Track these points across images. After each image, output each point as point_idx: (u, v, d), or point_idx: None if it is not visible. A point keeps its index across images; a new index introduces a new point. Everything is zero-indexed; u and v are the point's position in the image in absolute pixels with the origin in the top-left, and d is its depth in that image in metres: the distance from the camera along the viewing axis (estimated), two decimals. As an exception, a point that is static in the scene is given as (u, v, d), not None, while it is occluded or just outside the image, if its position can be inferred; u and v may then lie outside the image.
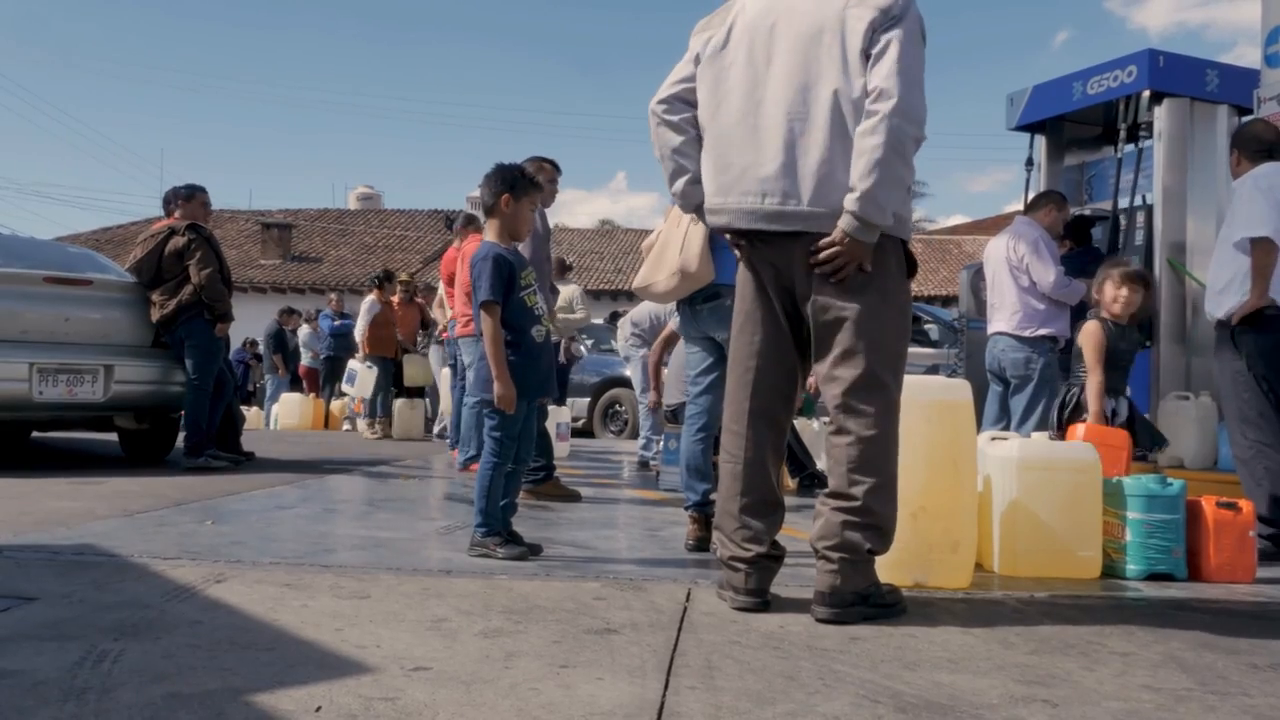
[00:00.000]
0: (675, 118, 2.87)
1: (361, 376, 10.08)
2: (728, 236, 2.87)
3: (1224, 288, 4.09)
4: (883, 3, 2.59)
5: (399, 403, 10.31)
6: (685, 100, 2.86)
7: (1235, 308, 4.01)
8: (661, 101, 2.88)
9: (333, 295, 14.51)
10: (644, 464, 7.49)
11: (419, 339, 10.89)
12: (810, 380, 3.25)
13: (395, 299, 10.80)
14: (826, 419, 2.89)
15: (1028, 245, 5.37)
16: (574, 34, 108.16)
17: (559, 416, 7.73)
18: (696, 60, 2.84)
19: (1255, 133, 4.27)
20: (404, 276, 11.54)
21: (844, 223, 2.58)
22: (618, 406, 12.38)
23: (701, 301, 3.78)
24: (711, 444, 3.83)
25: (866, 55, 2.59)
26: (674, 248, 3.71)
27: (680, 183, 2.91)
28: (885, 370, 2.67)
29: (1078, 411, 4.22)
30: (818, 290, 2.66)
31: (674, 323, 7.23)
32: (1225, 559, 3.40)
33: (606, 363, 12.15)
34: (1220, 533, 3.41)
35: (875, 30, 2.58)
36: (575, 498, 5.24)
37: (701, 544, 3.63)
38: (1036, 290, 5.30)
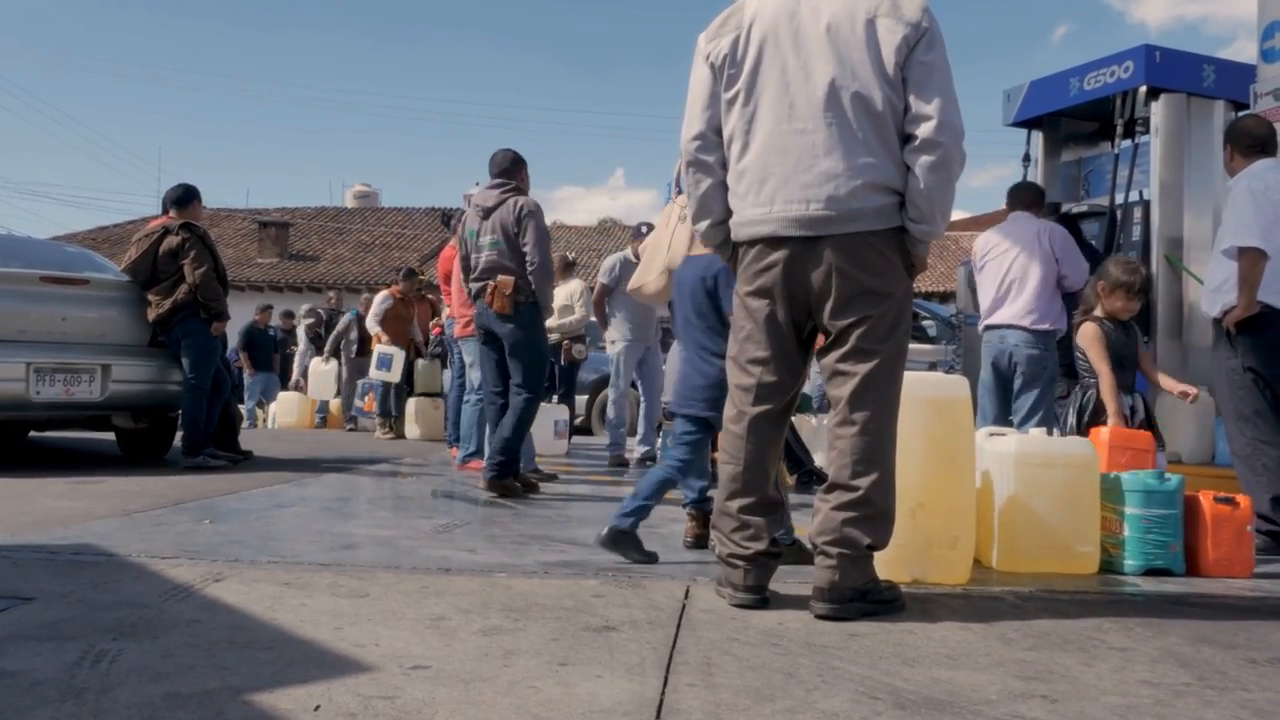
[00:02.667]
0: (709, 158, 2.86)
1: (395, 361, 9.96)
2: (754, 248, 2.81)
3: (1219, 286, 4.09)
4: (912, 16, 2.62)
5: (418, 401, 10.16)
6: (716, 130, 2.84)
7: (1229, 308, 4.02)
8: (695, 138, 2.86)
9: (331, 293, 14.47)
10: (644, 459, 7.51)
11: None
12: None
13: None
14: (824, 415, 2.90)
15: (1061, 240, 5.35)
16: (572, 31, 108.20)
17: (558, 414, 7.73)
18: (712, 69, 2.82)
19: (1248, 128, 4.26)
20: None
21: (918, 250, 2.73)
22: None
23: None
24: (707, 442, 3.83)
25: (899, 68, 2.62)
26: (662, 248, 3.72)
27: (704, 224, 2.94)
28: (891, 367, 2.70)
29: (1097, 414, 4.16)
30: (838, 292, 2.67)
31: (604, 277, 7.32)
32: (1223, 554, 3.41)
33: (605, 360, 12.12)
34: (1218, 528, 3.42)
35: (910, 47, 2.61)
36: (534, 489, 5.31)
37: (699, 541, 3.63)
38: (1059, 285, 5.29)
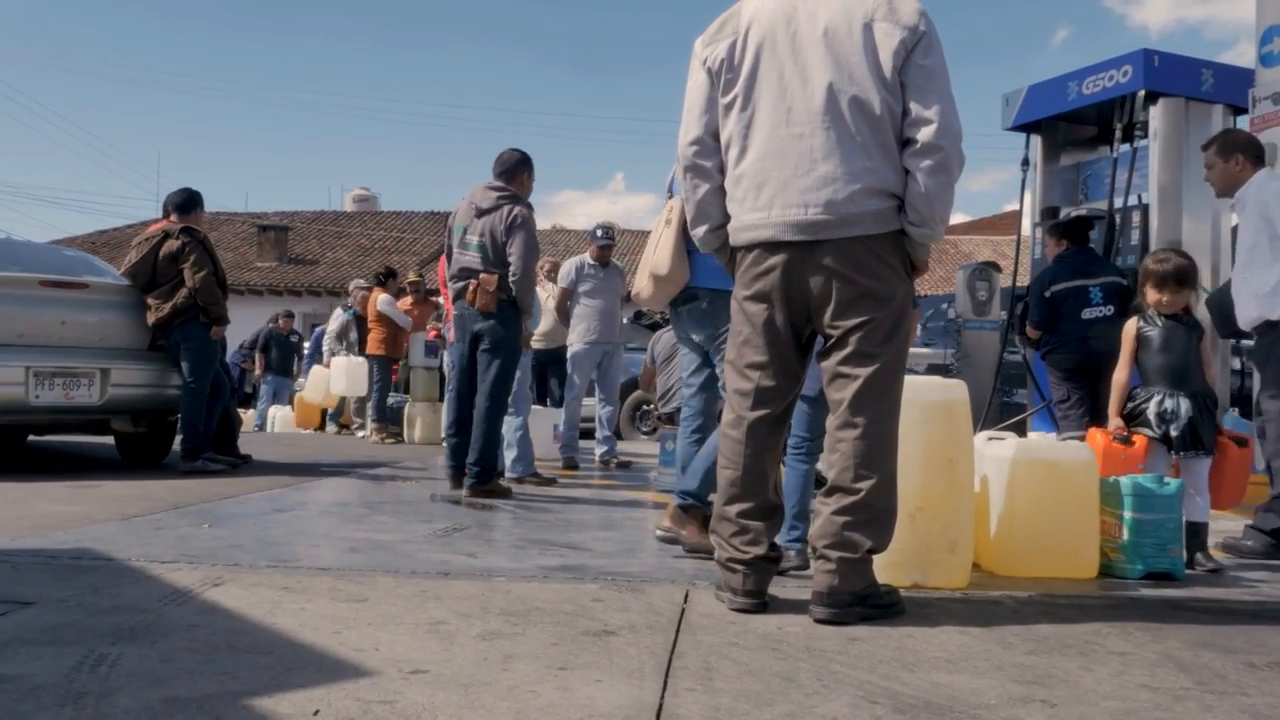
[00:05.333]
0: (706, 163, 2.86)
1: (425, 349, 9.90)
2: (752, 252, 2.80)
3: (1275, 288, 3.99)
4: (909, 20, 2.63)
5: (418, 405, 10.09)
6: (714, 135, 2.85)
7: None
8: (692, 143, 2.86)
9: (354, 290, 14.08)
10: (604, 460, 7.65)
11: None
12: None
13: (410, 299, 10.74)
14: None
15: None
16: (572, 35, 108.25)
17: (557, 418, 7.74)
18: (709, 74, 2.82)
19: (1250, 139, 4.29)
20: (413, 276, 11.46)
21: (919, 253, 2.75)
22: (645, 406, 12.30)
23: (681, 304, 3.78)
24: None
25: (897, 72, 2.63)
26: (650, 254, 3.72)
27: (702, 229, 2.94)
28: (892, 370, 2.70)
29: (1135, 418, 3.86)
30: (838, 296, 2.67)
31: (563, 281, 7.63)
32: (1232, 490, 3.71)
33: (635, 362, 12.00)
34: (1233, 467, 3.77)
35: (908, 51, 2.62)
36: (507, 494, 5.36)
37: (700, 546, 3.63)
38: None
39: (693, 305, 3.74)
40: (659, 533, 3.74)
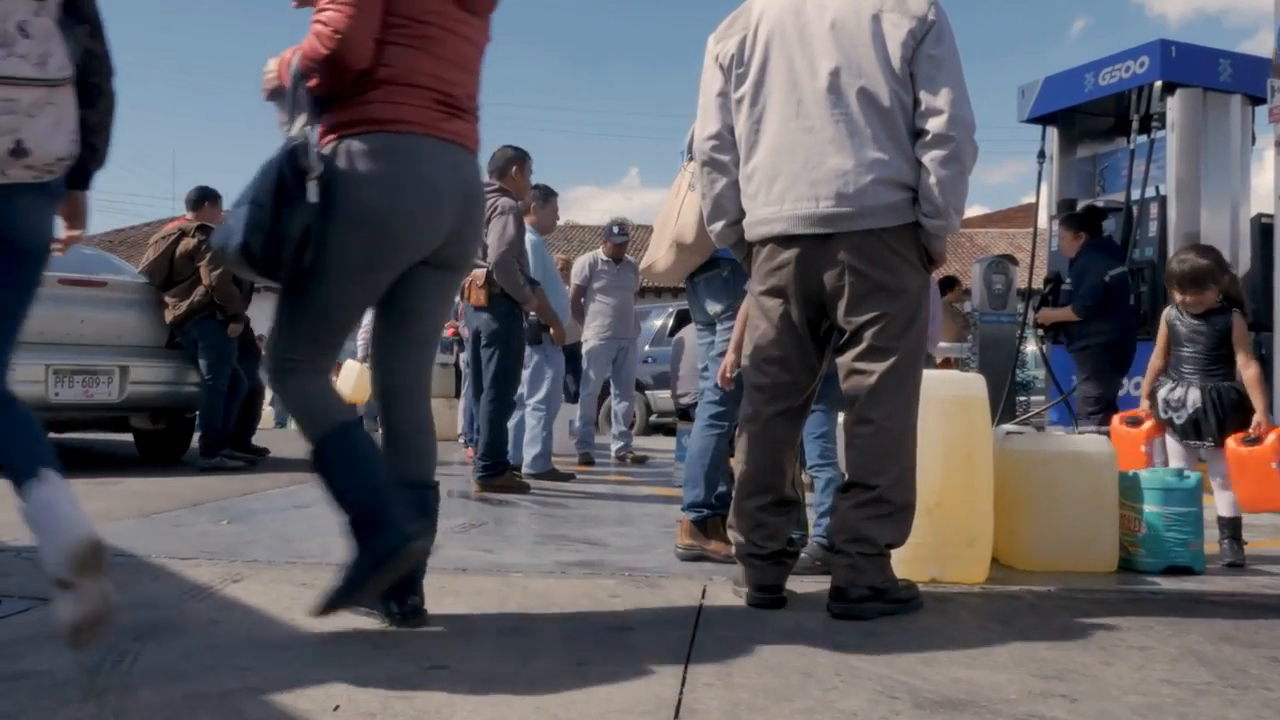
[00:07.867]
0: (724, 157, 2.85)
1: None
2: (766, 247, 2.78)
3: None
4: (918, 10, 2.61)
5: (434, 401, 9.94)
6: (731, 129, 2.84)
7: None
8: (710, 137, 2.85)
9: None
10: (620, 456, 7.69)
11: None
12: None
13: None
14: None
15: None
16: (586, 28, 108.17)
17: (570, 414, 7.76)
18: (721, 69, 2.82)
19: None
20: None
21: (935, 245, 2.71)
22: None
23: (699, 273, 3.56)
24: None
25: (906, 63, 2.61)
26: (671, 219, 3.49)
27: (719, 225, 2.93)
28: (909, 364, 2.68)
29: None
30: (851, 290, 2.66)
31: (576, 278, 7.57)
32: (1249, 491, 3.48)
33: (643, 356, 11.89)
34: (1242, 467, 3.49)
35: (917, 42, 2.60)
36: (524, 489, 5.37)
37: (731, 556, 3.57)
38: None
39: (712, 274, 3.53)
40: (680, 551, 3.43)
